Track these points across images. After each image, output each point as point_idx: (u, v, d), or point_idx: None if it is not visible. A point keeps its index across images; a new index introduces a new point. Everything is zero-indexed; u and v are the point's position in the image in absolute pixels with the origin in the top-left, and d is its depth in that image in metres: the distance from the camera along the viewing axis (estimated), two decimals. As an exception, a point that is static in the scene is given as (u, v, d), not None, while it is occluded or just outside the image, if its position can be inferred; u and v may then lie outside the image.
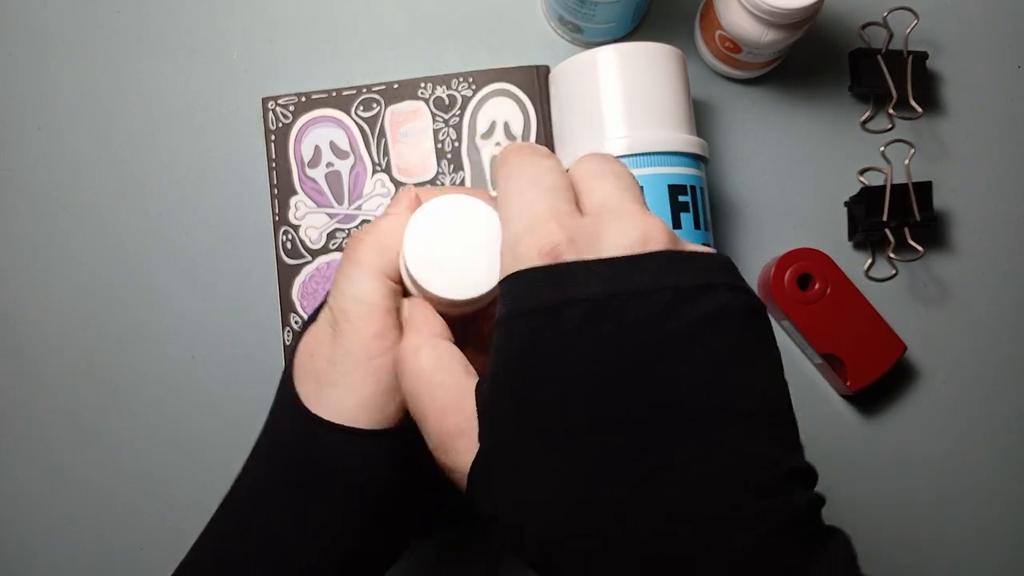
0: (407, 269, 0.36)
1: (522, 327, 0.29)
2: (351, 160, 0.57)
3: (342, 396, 0.36)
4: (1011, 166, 0.60)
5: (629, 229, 0.29)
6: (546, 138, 0.56)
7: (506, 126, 0.57)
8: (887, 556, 0.57)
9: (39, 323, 0.58)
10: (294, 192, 0.57)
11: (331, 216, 0.57)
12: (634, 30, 0.60)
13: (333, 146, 0.57)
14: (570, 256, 0.29)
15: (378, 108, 0.57)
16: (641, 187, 0.36)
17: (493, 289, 0.34)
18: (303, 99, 0.57)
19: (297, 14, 0.60)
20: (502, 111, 0.57)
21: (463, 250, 0.35)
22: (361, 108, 0.57)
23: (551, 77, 0.54)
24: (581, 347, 0.28)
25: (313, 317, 0.40)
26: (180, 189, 0.59)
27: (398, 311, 0.37)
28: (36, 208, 0.59)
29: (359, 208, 0.57)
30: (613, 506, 0.27)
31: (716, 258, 0.30)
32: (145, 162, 0.59)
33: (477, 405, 0.31)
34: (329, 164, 0.57)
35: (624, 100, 0.50)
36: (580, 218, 0.31)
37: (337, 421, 0.36)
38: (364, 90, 0.57)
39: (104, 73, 0.60)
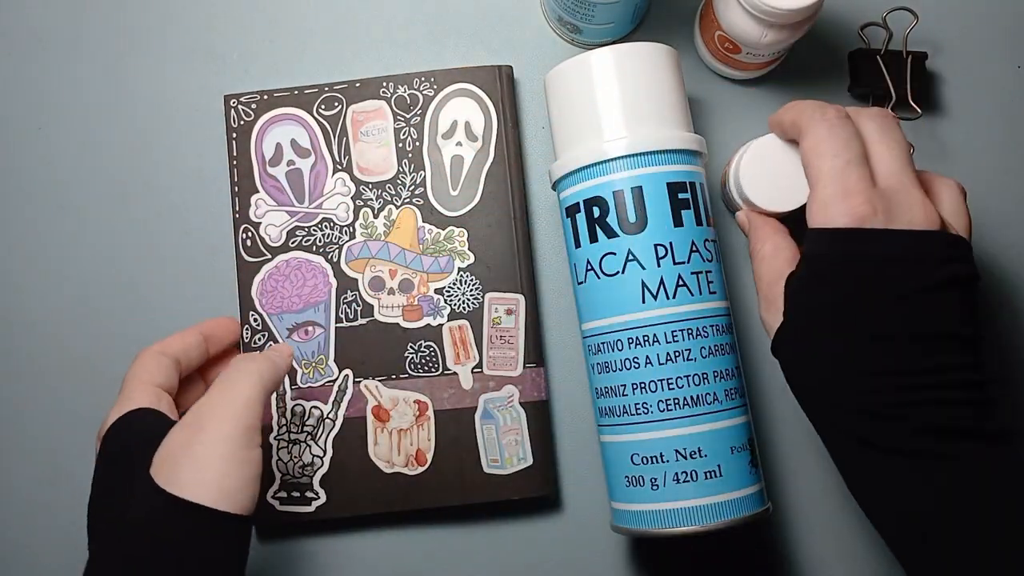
0: (740, 187, 0.52)
1: (833, 266, 0.43)
2: (312, 158, 0.57)
3: (206, 478, 0.42)
4: (1011, 166, 0.60)
5: (917, 213, 0.43)
6: (508, 139, 0.57)
7: (467, 126, 0.57)
8: (886, 555, 0.57)
9: (39, 323, 0.58)
10: (255, 190, 0.57)
11: (291, 214, 0.57)
12: (633, 31, 0.60)
13: (294, 144, 0.57)
14: (874, 223, 0.42)
15: (339, 107, 0.57)
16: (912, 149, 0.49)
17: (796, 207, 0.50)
18: (265, 97, 0.57)
19: (298, 14, 0.60)
20: (463, 111, 0.57)
21: (781, 178, 0.51)
22: (323, 107, 0.57)
23: (546, 80, 0.54)
24: (869, 287, 0.42)
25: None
26: (179, 191, 0.59)
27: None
28: (36, 208, 0.59)
29: (319, 207, 0.57)
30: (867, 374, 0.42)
31: (957, 240, 0.44)
32: (145, 162, 0.59)
33: (786, 290, 0.46)
34: (290, 162, 0.57)
35: (620, 101, 0.50)
36: (878, 191, 0.43)
37: (202, 502, 0.41)
38: (326, 89, 0.58)
39: (104, 73, 0.60)
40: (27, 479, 0.57)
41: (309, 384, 0.55)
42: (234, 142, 0.57)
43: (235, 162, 0.57)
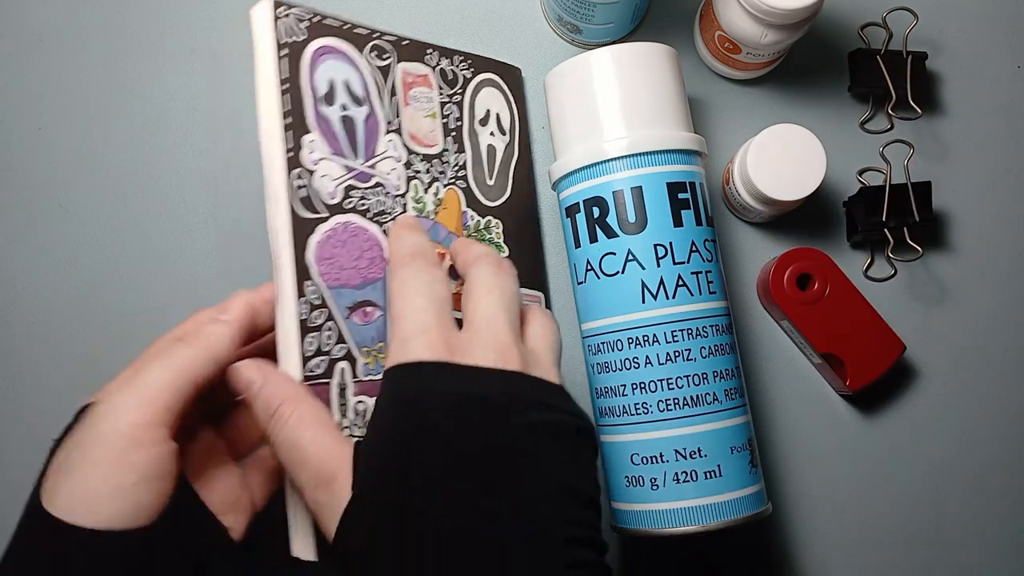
0: (748, 180, 0.53)
1: (402, 413, 0.37)
2: (366, 109, 0.50)
3: (80, 487, 0.37)
4: (1011, 166, 0.60)
5: (491, 352, 0.39)
6: (521, 139, 0.57)
7: (498, 118, 0.57)
8: (886, 555, 0.57)
9: (38, 323, 0.58)
10: (306, 129, 0.46)
11: (348, 169, 0.48)
12: (633, 31, 0.60)
13: (348, 88, 0.50)
14: (449, 359, 0.38)
15: (389, 59, 0.52)
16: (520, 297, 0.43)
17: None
18: (316, 19, 0.48)
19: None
20: (494, 102, 0.57)
21: (789, 167, 0.52)
22: (374, 53, 0.51)
23: (546, 81, 0.54)
24: (442, 437, 0.37)
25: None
26: (180, 191, 0.59)
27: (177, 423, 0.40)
28: (36, 208, 0.59)
29: (372, 167, 0.50)
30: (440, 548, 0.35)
31: (549, 386, 0.40)
32: (145, 162, 0.59)
33: (355, 459, 0.38)
34: (344, 107, 0.49)
35: (619, 101, 0.50)
36: (458, 333, 0.39)
37: (75, 521, 0.36)
38: (375, 35, 0.51)
39: (104, 73, 0.60)
40: (27, 480, 0.57)
41: (371, 376, 0.46)
42: (285, 60, 0.46)
43: (286, 86, 0.46)
